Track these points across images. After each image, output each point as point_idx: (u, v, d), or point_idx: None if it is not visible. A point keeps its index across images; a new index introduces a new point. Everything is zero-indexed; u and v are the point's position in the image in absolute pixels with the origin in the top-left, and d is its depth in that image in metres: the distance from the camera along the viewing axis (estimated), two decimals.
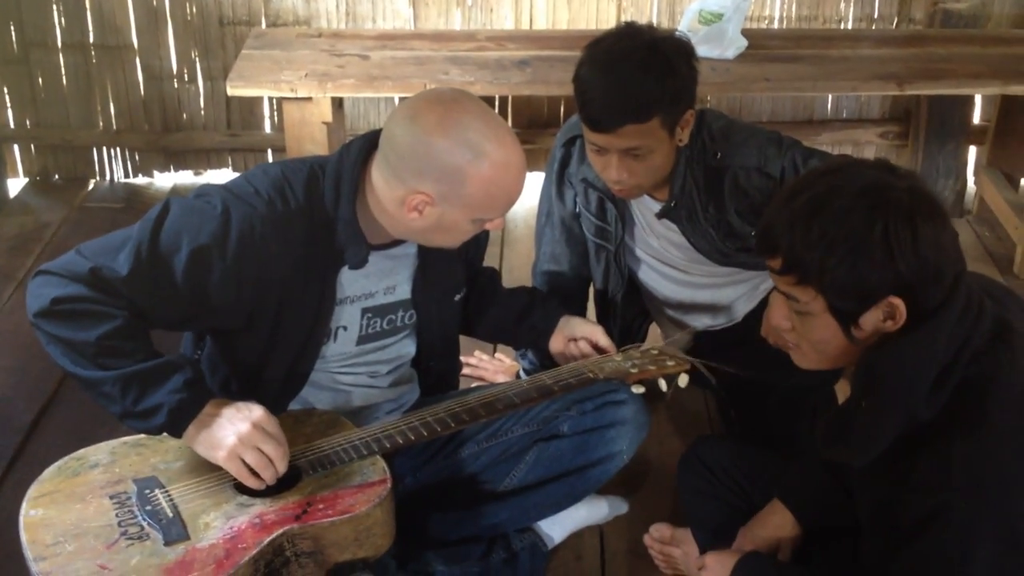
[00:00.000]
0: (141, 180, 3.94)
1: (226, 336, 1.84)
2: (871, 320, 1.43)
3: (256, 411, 1.69)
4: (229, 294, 1.72)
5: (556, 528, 2.13)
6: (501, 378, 2.59)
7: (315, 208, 1.78)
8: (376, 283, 1.90)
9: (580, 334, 2.10)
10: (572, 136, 2.29)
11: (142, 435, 1.80)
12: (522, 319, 2.18)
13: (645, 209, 2.28)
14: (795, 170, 2.09)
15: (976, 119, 3.69)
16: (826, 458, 1.70)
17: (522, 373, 2.56)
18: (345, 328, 1.89)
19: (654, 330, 2.63)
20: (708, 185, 2.16)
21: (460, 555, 1.97)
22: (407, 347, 2.03)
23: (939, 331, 1.41)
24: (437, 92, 1.80)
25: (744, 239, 2.22)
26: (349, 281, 1.86)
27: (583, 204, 2.33)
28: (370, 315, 1.91)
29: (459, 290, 2.05)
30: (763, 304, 2.36)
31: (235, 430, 1.66)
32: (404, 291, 1.95)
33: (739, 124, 2.19)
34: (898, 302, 1.40)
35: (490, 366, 2.64)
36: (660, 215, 2.23)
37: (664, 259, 2.36)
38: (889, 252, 1.37)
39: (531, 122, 3.80)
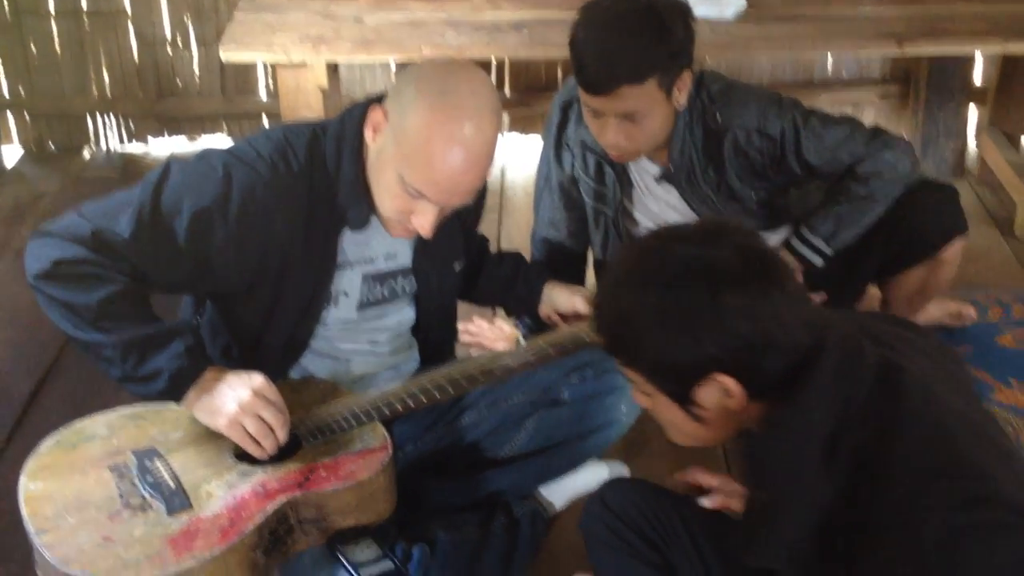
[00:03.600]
0: (136, 147, 3.91)
1: (227, 300, 1.83)
2: (708, 399, 1.29)
3: (257, 378, 1.68)
4: (231, 257, 1.71)
5: (557, 495, 2.13)
6: (500, 345, 2.57)
7: (317, 170, 1.76)
8: (377, 249, 1.88)
9: (561, 308, 2.09)
10: (569, 99, 2.27)
11: (139, 406, 1.79)
12: (507, 290, 2.19)
13: (644, 172, 2.26)
14: (795, 131, 2.07)
15: (977, 79, 3.67)
16: (752, 565, 1.48)
17: (521, 340, 2.55)
18: (346, 294, 1.88)
19: None
20: (707, 148, 2.14)
21: (461, 522, 1.98)
22: (407, 314, 2.02)
23: (809, 403, 1.25)
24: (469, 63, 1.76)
25: (744, 202, 2.21)
26: (350, 246, 1.85)
27: (581, 168, 2.32)
28: (371, 281, 1.90)
29: (459, 259, 2.04)
30: None
31: (236, 397, 1.66)
32: (405, 258, 1.93)
33: (738, 85, 2.17)
34: (727, 380, 1.26)
35: (489, 333, 2.62)
36: (659, 179, 2.21)
37: (663, 222, 2.32)
38: (690, 330, 1.24)
39: (529, 86, 3.77)
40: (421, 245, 1.92)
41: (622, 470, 2.25)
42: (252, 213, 1.69)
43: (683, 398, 1.31)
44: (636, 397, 1.39)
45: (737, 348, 1.23)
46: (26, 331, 2.80)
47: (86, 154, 3.88)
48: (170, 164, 1.72)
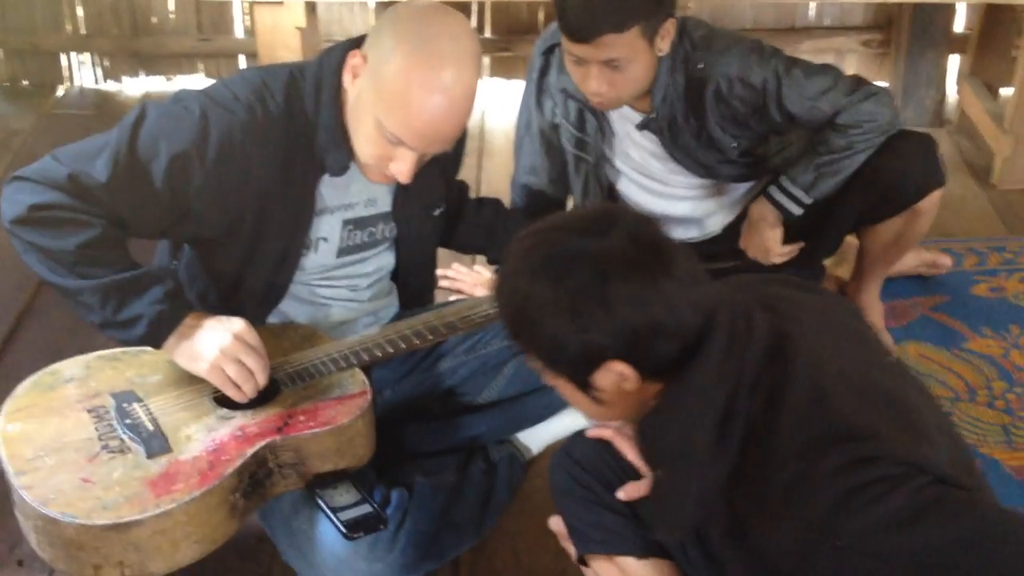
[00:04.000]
0: (111, 86, 3.86)
1: (205, 245, 1.82)
2: (605, 383, 1.31)
3: (237, 323, 1.68)
4: (208, 201, 1.69)
5: (534, 439, 2.15)
6: (479, 291, 2.57)
7: (295, 114, 1.74)
8: (357, 194, 1.87)
9: None
10: (552, 44, 2.25)
11: (117, 349, 1.79)
12: (488, 237, 2.20)
13: (625, 120, 2.25)
14: (777, 80, 2.07)
15: (959, 27, 3.65)
16: (656, 538, 1.56)
17: None
18: (326, 239, 1.87)
19: None
20: (689, 96, 2.13)
21: (439, 466, 1.99)
22: (386, 260, 2.02)
23: (695, 384, 1.28)
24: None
25: (724, 151, 2.21)
26: (329, 191, 1.84)
27: (562, 115, 2.30)
28: (351, 227, 1.89)
29: (439, 205, 2.03)
30: (741, 217, 2.37)
31: (217, 342, 1.65)
32: (385, 204, 1.93)
33: (721, 32, 2.15)
34: (620, 366, 1.28)
35: (468, 278, 2.61)
36: (640, 127, 2.21)
37: (644, 171, 2.34)
38: (580, 320, 1.25)
39: (510, 28, 3.73)
40: (401, 190, 1.91)
41: None
42: (230, 157, 1.68)
43: (582, 383, 1.33)
44: (545, 378, 1.40)
45: (626, 336, 1.25)
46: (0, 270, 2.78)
47: (60, 91, 3.82)
48: (146, 106, 1.69)
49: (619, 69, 2.00)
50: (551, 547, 1.92)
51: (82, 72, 3.85)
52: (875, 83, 2.12)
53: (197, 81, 3.86)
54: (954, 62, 3.66)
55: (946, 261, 2.72)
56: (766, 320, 1.33)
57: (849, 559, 1.21)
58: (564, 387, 1.38)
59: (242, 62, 3.79)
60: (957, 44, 3.62)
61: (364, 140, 1.71)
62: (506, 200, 2.40)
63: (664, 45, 2.05)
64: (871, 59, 3.75)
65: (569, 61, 2.06)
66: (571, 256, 1.26)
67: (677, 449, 1.32)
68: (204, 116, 1.67)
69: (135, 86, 3.86)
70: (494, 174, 3.30)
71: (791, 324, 1.34)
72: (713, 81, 2.10)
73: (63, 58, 3.82)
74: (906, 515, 1.18)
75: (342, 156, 1.76)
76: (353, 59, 1.69)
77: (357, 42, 1.73)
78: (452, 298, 2.55)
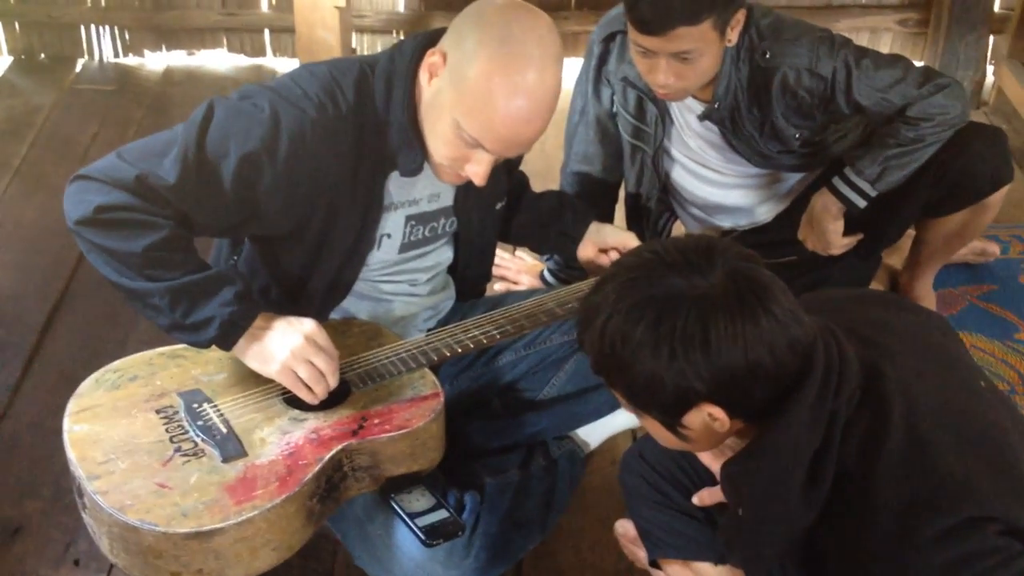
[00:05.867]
0: (132, 60, 3.79)
1: (270, 243, 1.78)
2: (694, 423, 1.28)
3: (307, 324, 1.65)
4: (278, 200, 1.65)
5: (593, 433, 2.13)
6: (524, 278, 2.55)
7: (366, 111, 1.69)
8: (422, 190, 1.84)
9: (612, 243, 2.06)
10: (612, 32, 2.20)
11: (179, 346, 1.74)
12: (550, 224, 2.14)
13: (686, 110, 2.21)
14: (847, 71, 2.02)
15: (997, 6, 3.60)
16: (733, 565, 1.55)
17: (546, 273, 2.53)
18: (389, 236, 1.84)
19: (678, 228, 2.58)
20: (753, 85, 2.09)
21: (503, 464, 1.96)
22: (445, 254, 1.99)
23: (789, 431, 1.24)
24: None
25: (786, 141, 2.17)
26: (396, 187, 1.80)
27: (621, 103, 2.26)
28: (413, 222, 1.86)
29: (501, 199, 2.00)
30: (792, 206, 2.34)
31: (288, 343, 1.62)
32: (448, 198, 1.89)
33: (788, 21, 2.10)
34: (714, 410, 1.24)
35: (512, 265, 2.60)
36: (702, 117, 2.16)
37: (700, 160, 2.30)
38: (679, 365, 1.20)
39: (541, 4, 3.65)
40: (465, 186, 1.87)
41: None
42: (301, 156, 1.63)
43: (670, 423, 1.30)
44: (624, 407, 1.36)
45: (724, 380, 1.21)
46: (33, 255, 2.73)
47: (79, 66, 3.75)
48: (214, 103, 1.64)
49: (688, 61, 1.96)
50: (612, 543, 1.91)
51: (102, 45, 3.77)
52: (947, 76, 2.08)
53: (221, 56, 3.79)
54: (992, 43, 3.61)
55: (994, 249, 2.70)
56: (859, 356, 1.29)
57: None
58: (648, 422, 1.34)
59: (267, 38, 3.72)
60: (996, 24, 3.56)
61: (440, 141, 1.67)
62: (544, 174, 2.34)
63: (734, 35, 2.00)
64: (906, 38, 3.69)
65: (636, 52, 2.01)
66: (671, 297, 1.21)
67: (766, 495, 1.29)
68: (275, 114, 1.62)
69: (157, 60, 3.79)
70: (530, 152, 3.23)
71: (885, 358, 1.30)
72: (780, 71, 2.05)
73: (83, 31, 3.74)
74: None
75: (416, 156, 1.72)
76: (431, 57, 1.65)
77: (432, 38, 1.69)
78: (497, 286, 2.53)
